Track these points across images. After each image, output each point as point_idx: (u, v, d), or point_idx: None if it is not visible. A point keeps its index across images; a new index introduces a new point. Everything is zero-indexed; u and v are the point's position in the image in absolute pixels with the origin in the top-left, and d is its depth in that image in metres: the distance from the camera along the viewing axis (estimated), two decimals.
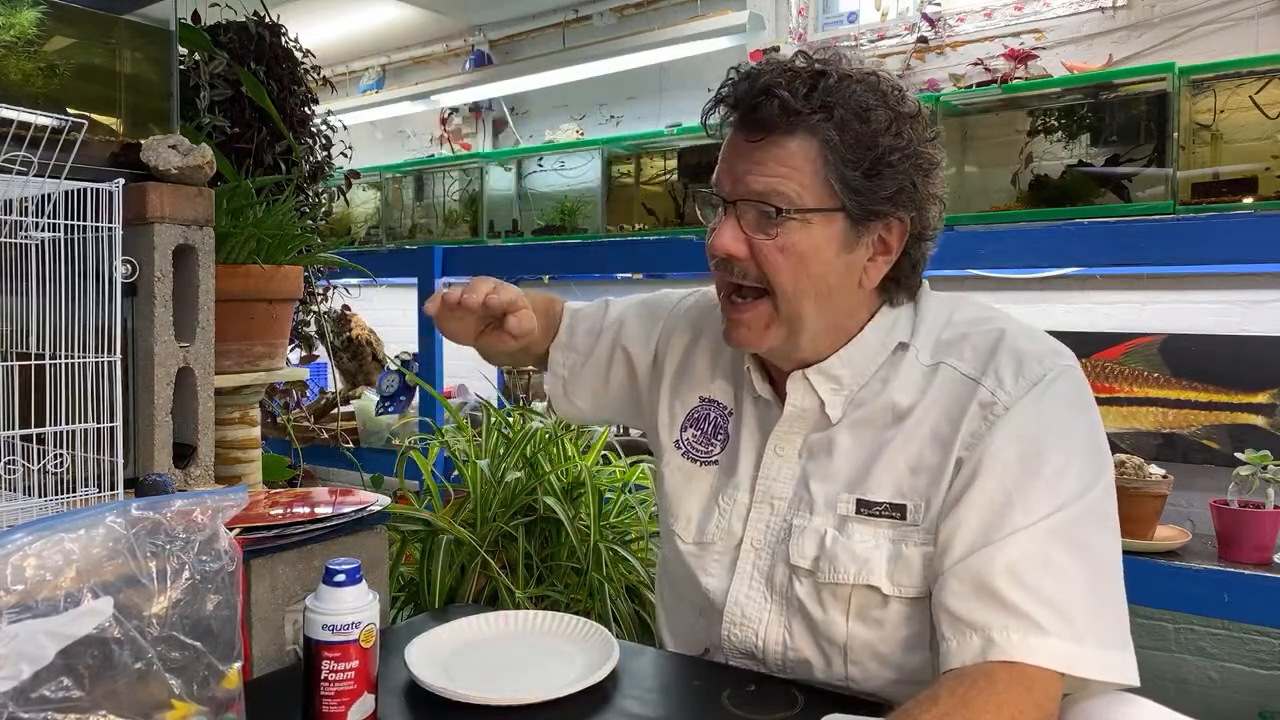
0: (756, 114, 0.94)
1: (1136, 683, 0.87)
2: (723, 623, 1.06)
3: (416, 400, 3.31)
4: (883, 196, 0.95)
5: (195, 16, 1.82)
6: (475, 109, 4.04)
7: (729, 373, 1.15)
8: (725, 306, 1.03)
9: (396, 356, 3.50)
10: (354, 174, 2.30)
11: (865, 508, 0.97)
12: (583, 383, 1.30)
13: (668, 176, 2.98)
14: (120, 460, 1.12)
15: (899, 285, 1.03)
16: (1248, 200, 1.95)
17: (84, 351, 1.13)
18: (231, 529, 0.93)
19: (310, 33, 2.28)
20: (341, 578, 0.91)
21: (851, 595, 0.97)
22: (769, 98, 0.93)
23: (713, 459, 1.13)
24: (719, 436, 1.13)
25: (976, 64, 2.66)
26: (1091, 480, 0.91)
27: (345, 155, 2.16)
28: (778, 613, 1.03)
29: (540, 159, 3.31)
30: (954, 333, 1.01)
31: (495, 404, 2.38)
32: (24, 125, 1.05)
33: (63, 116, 1.16)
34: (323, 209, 2.02)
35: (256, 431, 1.60)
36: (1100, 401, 0.98)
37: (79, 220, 1.12)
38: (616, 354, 1.26)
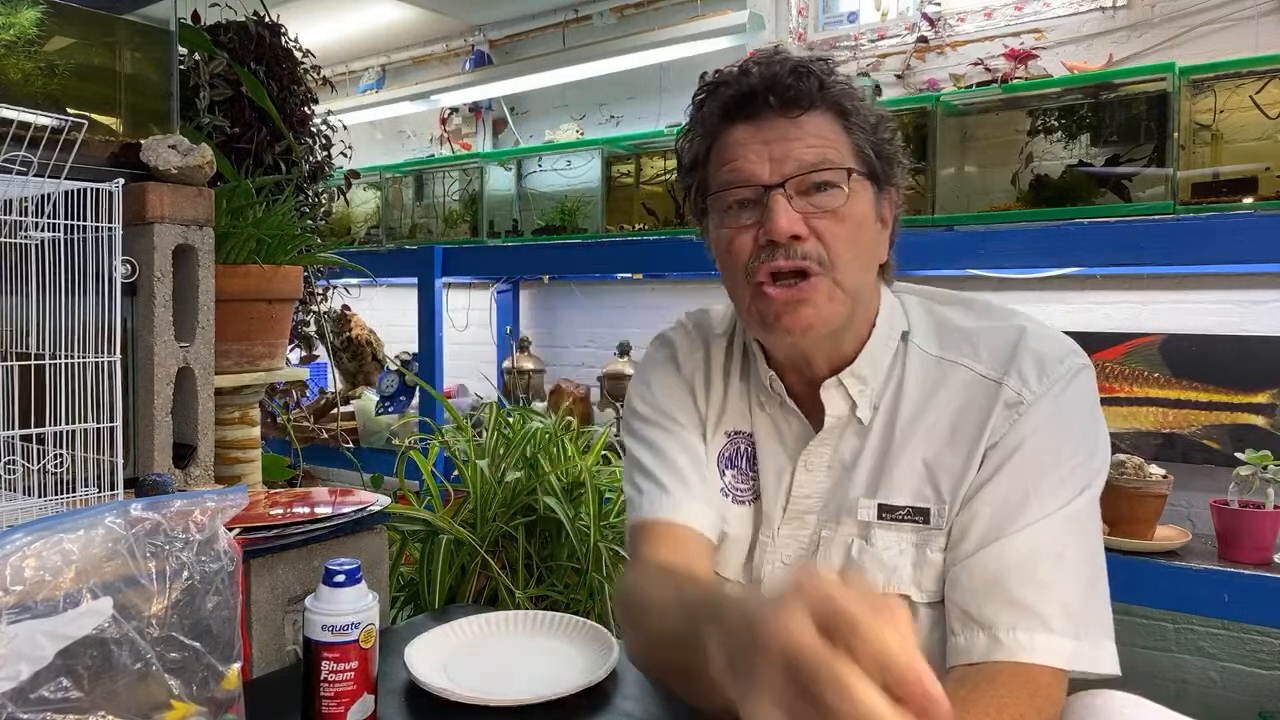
0: (791, 92, 0.93)
1: (1118, 672, 0.87)
2: None
3: (416, 400, 3.31)
4: (892, 162, 0.99)
5: (195, 16, 1.82)
6: (475, 109, 4.04)
7: (740, 397, 1.09)
8: (773, 296, 0.94)
9: (396, 356, 3.50)
10: (354, 174, 2.30)
11: (887, 512, 0.96)
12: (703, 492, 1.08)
13: (668, 176, 2.98)
14: (120, 460, 1.12)
15: (886, 265, 1.04)
16: (1248, 200, 1.95)
17: (84, 351, 1.13)
18: (231, 529, 0.93)
19: (310, 33, 2.29)
20: (341, 578, 0.91)
21: None
22: (805, 75, 0.93)
23: (755, 494, 1.06)
24: (753, 469, 1.07)
25: (976, 64, 2.66)
26: (1095, 474, 0.92)
27: (345, 155, 2.16)
28: None
29: (540, 159, 3.31)
30: (962, 326, 1.00)
31: (495, 404, 2.38)
32: (24, 125, 1.05)
33: (63, 116, 1.16)
34: (323, 209, 2.02)
35: (256, 431, 1.60)
36: (1100, 401, 0.98)
37: (79, 220, 1.12)
38: (694, 441, 1.10)
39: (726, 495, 1.07)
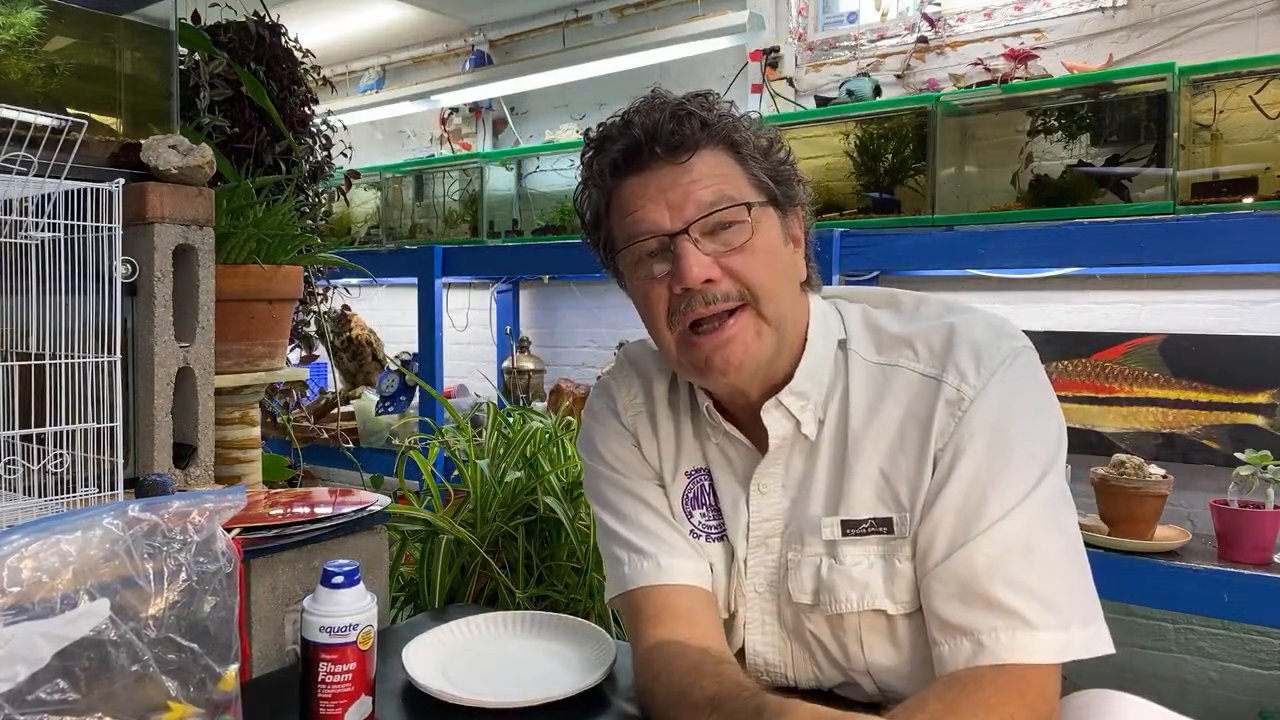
0: (675, 137, 0.94)
1: (1112, 650, 0.86)
2: (748, 673, 1.02)
3: (416, 400, 3.31)
4: (790, 183, 0.99)
5: (195, 16, 1.82)
6: (475, 109, 4.04)
7: (692, 434, 1.09)
8: (699, 341, 0.94)
9: (396, 356, 3.50)
10: (354, 174, 2.30)
11: (851, 528, 0.95)
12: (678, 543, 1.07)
13: None
14: (120, 460, 1.13)
15: (810, 278, 1.04)
16: (1248, 200, 1.95)
17: (84, 351, 1.13)
18: (231, 529, 0.93)
19: (310, 33, 2.28)
20: (339, 579, 0.91)
21: (860, 623, 0.95)
22: (686, 117, 0.94)
23: (724, 530, 1.05)
24: (718, 504, 1.06)
25: (976, 64, 2.66)
26: (1053, 458, 0.91)
27: (345, 155, 2.16)
28: (800, 652, 1.01)
29: (539, 159, 3.31)
30: (897, 329, 1.00)
31: (495, 404, 2.38)
32: (24, 125, 1.05)
33: (63, 116, 1.16)
34: (323, 209, 2.02)
35: (256, 431, 1.60)
36: (1100, 401, 0.98)
37: (79, 220, 1.12)
38: (653, 491, 1.10)
39: (699, 535, 1.06)
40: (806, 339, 1.00)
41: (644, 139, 0.94)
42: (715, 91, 1.00)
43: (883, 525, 0.94)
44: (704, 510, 1.06)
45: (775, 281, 0.95)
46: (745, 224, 0.93)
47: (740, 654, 1.04)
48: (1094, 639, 0.86)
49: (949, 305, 1.01)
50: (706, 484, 1.07)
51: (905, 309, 1.03)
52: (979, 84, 2.40)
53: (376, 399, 3.38)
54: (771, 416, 0.99)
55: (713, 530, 1.06)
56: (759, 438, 1.01)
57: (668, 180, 0.94)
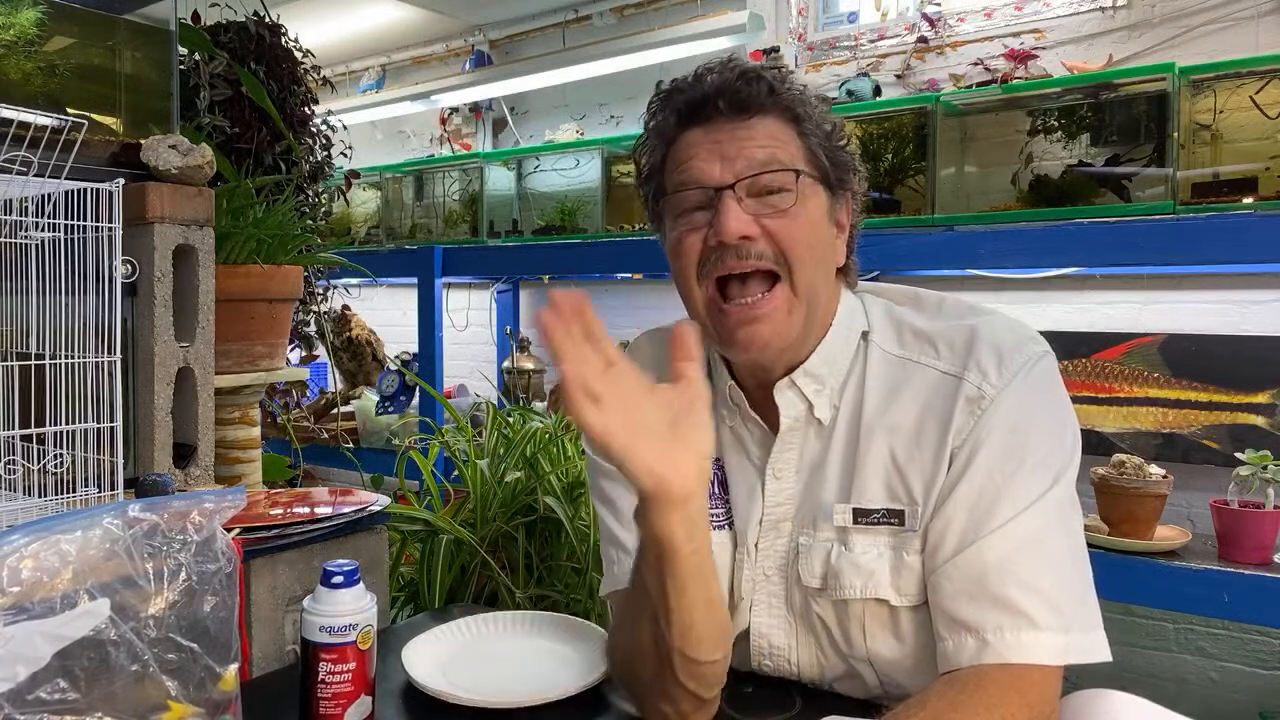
0: (741, 95, 0.95)
1: (1110, 658, 0.87)
2: (751, 656, 1.04)
3: (416, 400, 3.31)
4: (846, 168, 1.01)
5: (195, 16, 1.82)
6: (475, 109, 4.04)
7: None
8: (732, 313, 0.95)
9: (396, 356, 3.50)
10: (354, 174, 2.30)
11: (862, 516, 0.96)
12: None
13: None
14: (120, 460, 1.13)
15: (847, 268, 1.05)
16: (1248, 200, 1.95)
17: (84, 351, 1.13)
18: (231, 529, 0.93)
19: (310, 33, 2.29)
20: (339, 579, 0.91)
21: (864, 611, 0.96)
22: (755, 79, 0.95)
23: (729, 518, 1.05)
24: (725, 493, 1.07)
25: (976, 64, 2.66)
26: (1067, 463, 0.91)
27: (345, 155, 2.16)
28: (805, 635, 1.01)
29: (538, 159, 3.31)
30: (920, 326, 1.00)
31: (495, 404, 2.38)
32: (24, 125, 1.05)
33: (63, 116, 1.16)
34: (323, 209, 2.02)
35: (256, 431, 1.60)
36: (1100, 401, 0.98)
37: (79, 220, 1.12)
38: None
39: None
40: (831, 325, 1.01)
41: (711, 93, 0.96)
42: (791, 69, 1.01)
43: (894, 517, 0.95)
44: (708, 497, 1.06)
45: (812, 253, 0.95)
46: (791, 191, 0.94)
47: (745, 636, 1.04)
48: (1093, 645, 0.86)
49: (971, 305, 1.02)
50: (713, 473, 1.07)
51: (928, 307, 1.04)
52: (979, 84, 2.40)
53: (376, 399, 3.38)
54: (784, 396, 1.00)
55: (716, 518, 1.06)
56: (773, 419, 1.02)
57: (725, 135, 0.95)
